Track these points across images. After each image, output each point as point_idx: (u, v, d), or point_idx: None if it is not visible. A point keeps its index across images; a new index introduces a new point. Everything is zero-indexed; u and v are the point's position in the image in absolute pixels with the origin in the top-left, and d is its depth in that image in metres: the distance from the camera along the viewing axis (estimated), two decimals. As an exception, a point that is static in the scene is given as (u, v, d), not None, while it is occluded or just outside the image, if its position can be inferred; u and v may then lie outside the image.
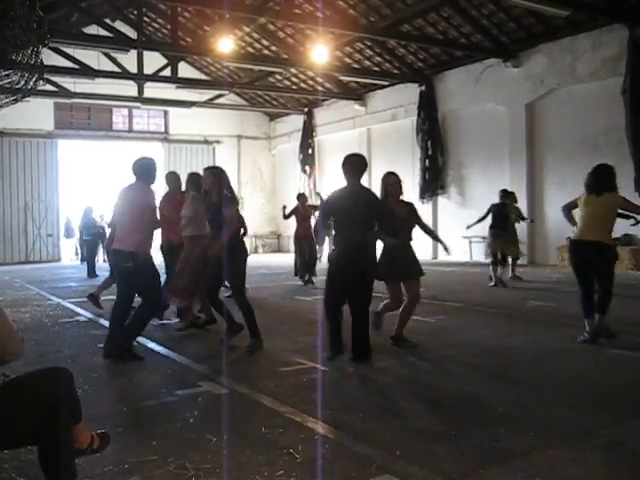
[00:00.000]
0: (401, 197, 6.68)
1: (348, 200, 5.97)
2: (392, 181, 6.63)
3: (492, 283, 11.85)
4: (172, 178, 8.63)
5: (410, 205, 6.75)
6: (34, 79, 2.60)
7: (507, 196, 12.33)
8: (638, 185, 13.07)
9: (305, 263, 12.79)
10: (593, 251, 6.61)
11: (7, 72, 2.53)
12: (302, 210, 13.06)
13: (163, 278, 7.15)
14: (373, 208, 6.06)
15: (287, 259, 19.76)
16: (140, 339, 7.23)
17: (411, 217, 6.62)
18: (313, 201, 18.98)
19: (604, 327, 6.73)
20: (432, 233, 7.11)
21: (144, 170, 6.30)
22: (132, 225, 6.15)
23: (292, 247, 13.75)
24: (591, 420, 4.19)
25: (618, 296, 9.66)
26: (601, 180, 6.74)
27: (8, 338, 2.73)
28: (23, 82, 2.56)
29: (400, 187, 6.65)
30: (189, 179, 8.07)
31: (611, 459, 3.54)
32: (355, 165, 6.12)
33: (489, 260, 12.20)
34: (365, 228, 5.99)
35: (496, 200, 12.31)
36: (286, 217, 13.34)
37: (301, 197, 13.39)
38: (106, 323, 8.46)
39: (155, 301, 6.43)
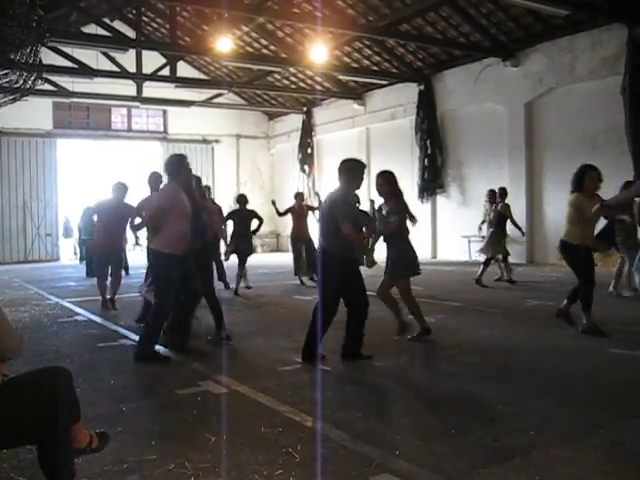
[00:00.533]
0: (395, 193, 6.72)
1: (325, 204, 6.09)
2: (377, 182, 6.81)
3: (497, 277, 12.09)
4: (153, 178, 8.26)
5: (395, 201, 6.71)
6: (33, 78, 2.59)
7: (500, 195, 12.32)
8: (637, 184, 13.06)
9: (301, 263, 12.72)
10: (561, 248, 7.07)
11: (5, 71, 2.52)
12: (298, 209, 12.98)
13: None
14: (331, 213, 5.96)
15: (286, 258, 19.77)
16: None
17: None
18: (311, 201, 18.96)
19: (590, 324, 6.87)
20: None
21: (167, 167, 6.42)
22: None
23: (290, 246, 13.70)
24: (591, 419, 4.19)
25: (619, 296, 9.74)
26: (572, 181, 7.03)
27: (7, 335, 2.73)
28: (22, 81, 2.55)
29: (383, 185, 6.71)
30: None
31: (611, 458, 3.53)
32: (347, 171, 6.08)
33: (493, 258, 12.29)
34: (326, 233, 5.96)
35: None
36: (281, 214, 13.28)
37: (298, 196, 13.32)
38: (105, 322, 8.48)
39: (160, 302, 6.28)
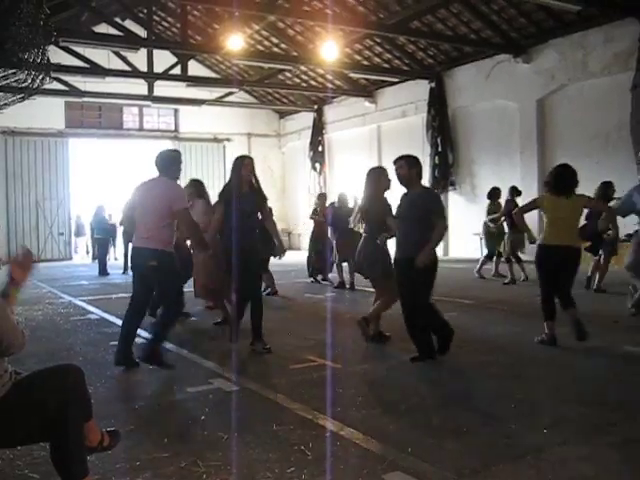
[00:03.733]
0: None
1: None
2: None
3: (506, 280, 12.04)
4: None
5: None
6: (41, 77, 2.60)
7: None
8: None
9: (321, 262, 12.76)
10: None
11: (14, 71, 2.54)
12: (322, 210, 13.09)
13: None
14: None
15: (298, 257, 19.75)
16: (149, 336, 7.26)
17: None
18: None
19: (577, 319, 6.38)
20: None
21: (168, 163, 5.90)
22: (155, 221, 5.70)
23: (304, 245, 13.76)
24: (604, 417, 4.16)
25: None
26: (570, 180, 6.47)
27: (9, 331, 2.74)
28: (30, 80, 2.56)
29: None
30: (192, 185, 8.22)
31: (624, 456, 3.51)
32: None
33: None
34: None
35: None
36: (313, 217, 13.41)
37: (321, 197, 13.52)
38: (117, 321, 8.50)
39: (178, 303, 6.07)
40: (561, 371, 5.42)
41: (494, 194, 12.83)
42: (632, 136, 13.19)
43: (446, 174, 18.86)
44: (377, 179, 6.77)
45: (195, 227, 5.94)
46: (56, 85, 18.02)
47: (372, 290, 7.20)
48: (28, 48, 2.51)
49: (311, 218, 13.24)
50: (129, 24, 19.01)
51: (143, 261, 5.70)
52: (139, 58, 17.94)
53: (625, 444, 3.67)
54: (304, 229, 22.66)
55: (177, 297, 6.03)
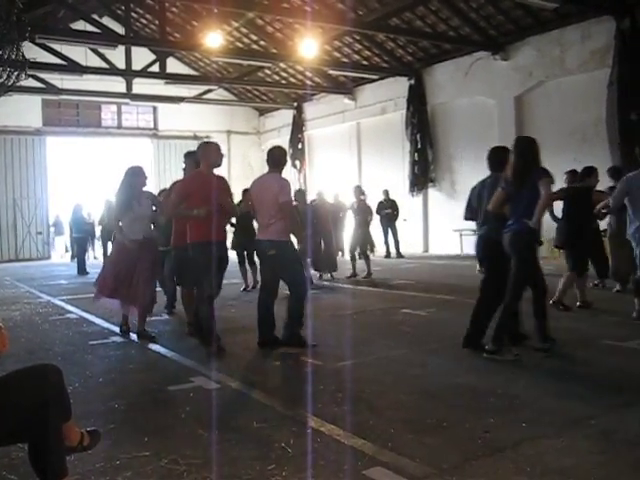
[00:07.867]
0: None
1: None
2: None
3: None
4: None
5: None
6: (16, 74, 2.57)
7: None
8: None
9: (327, 257, 12.77)
10: None
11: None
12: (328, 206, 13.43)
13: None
14: None
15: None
16: (135, 336, 7.23)
17: None
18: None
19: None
20: None
21: (276, 159, 6.53)
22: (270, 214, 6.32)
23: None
24: (582, 410, 4.21)
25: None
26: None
27: None
28: (5, 77, 2.53)
29: None
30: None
31: (602, 448, 3.55)
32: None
33: None
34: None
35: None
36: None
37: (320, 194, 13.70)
38: (96, 320, 8.46)
39: (302, 285, 6.51)
40: (539, 364, 5.47)
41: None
42: (608, 132, 13.33)
43: (426, 170, 18.93)
44: None
45: (295, 220, 6.74)
46: (33, 82, 17.82)
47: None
48: (2, 44, 2.48)
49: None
50: (107, 21, 18.87)
51: (263, 251, 6.45)
52: (117, 55, 17.81)
53: (603, 436, 3.72)
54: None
55: (304, 279, 6.63)
